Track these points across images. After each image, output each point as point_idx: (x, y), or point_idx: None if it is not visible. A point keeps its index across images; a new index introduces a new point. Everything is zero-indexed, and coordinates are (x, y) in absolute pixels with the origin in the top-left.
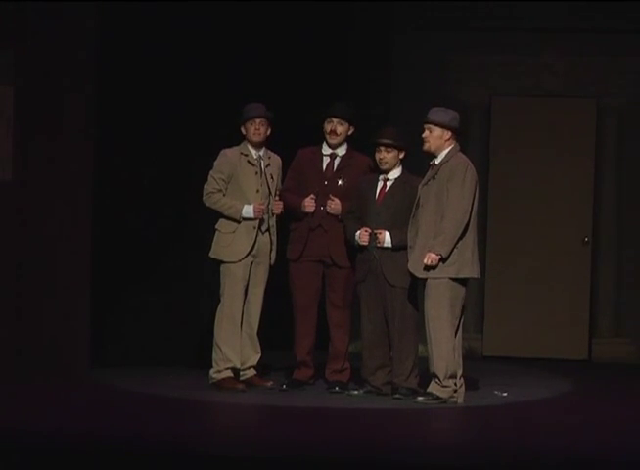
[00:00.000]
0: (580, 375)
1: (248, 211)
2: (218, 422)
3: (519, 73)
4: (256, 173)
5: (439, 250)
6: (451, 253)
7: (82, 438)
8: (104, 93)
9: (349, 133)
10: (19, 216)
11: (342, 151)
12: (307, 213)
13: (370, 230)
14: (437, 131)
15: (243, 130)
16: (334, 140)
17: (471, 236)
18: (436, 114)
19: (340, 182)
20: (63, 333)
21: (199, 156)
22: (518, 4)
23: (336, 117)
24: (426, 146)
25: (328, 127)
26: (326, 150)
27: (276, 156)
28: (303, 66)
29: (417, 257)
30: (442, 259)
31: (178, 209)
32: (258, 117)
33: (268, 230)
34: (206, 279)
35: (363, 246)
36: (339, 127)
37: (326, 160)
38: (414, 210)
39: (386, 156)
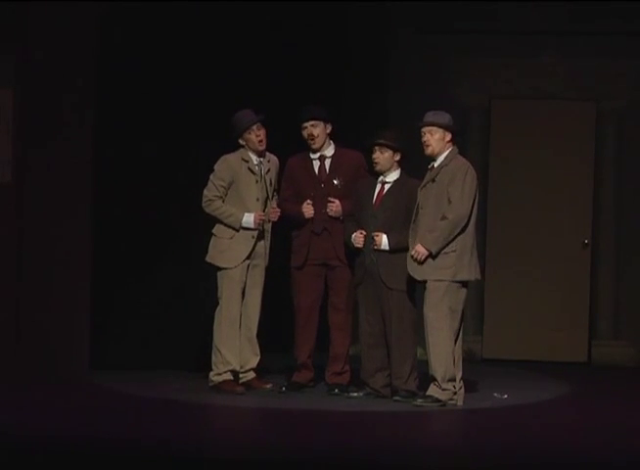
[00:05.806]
0: (580, 378)
1: (248, 220)
2: (218, 425)
3: (518, 76)
4: (257, 181)
5: (430, 246)
6: (449, 256)
7: (81, 440)
8: (104, 95)
9: (328, 131)
10: (18, 218)
11: (330, 151)
12: (308, 219)
13: (365, 232)
14: (439, 133)
15: (242, 141)
16: (316, 144)
17: (470, 239)
18: (434, 116)
19: (335, 182)
20: (62, 335)
21: (198, 157)
22: (517, 6)
23: (307, 121)
24: (429, 150)
25: (305, 134)
26: (314, 154)
27: (274, 156)
28: (302, 67)
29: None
30: (432, 256)
31: (178, 211)
32: (255, 124)
33: (263, 234)
34: (206, 282)
35: (358, 248)
36: (314, 130)
37: (316, 163)
38: (414, 215)
39: (379, 156)
